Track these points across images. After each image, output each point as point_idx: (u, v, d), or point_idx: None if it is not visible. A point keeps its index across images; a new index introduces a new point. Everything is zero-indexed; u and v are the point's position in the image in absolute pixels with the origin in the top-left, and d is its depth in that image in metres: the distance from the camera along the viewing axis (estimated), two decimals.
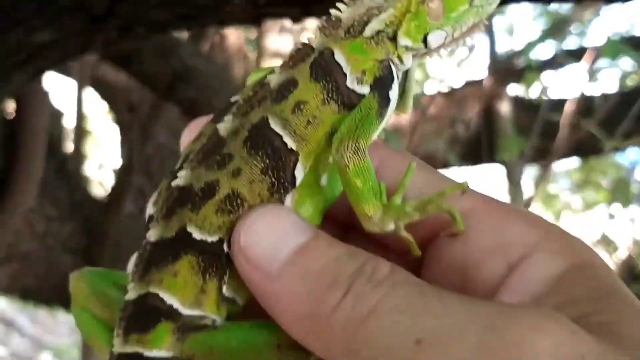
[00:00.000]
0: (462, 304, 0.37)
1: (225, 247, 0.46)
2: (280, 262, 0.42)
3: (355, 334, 0.38)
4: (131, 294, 0.47)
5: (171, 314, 0.46)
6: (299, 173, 0.46)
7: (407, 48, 0.49)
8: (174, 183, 0.46)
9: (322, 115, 0.47)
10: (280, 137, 0.45)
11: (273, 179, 0.45)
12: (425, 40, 0.49)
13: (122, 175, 2.47)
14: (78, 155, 2.73)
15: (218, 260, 0.46)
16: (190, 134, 0.50)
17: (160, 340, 0.46)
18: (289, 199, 0.47)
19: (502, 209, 0.45)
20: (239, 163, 0.45)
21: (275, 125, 0.46)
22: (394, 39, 0.49)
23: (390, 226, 0.45)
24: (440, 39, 0.49)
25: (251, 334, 0.45)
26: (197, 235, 0.46)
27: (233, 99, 0.48)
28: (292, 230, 0.43)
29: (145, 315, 0.46)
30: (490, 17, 0.51)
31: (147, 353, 0.46)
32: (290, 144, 0.46)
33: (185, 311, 0.46)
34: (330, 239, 0.43)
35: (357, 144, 0.45)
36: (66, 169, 2.32)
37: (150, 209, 0.48)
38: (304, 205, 0.48)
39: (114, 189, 2.52)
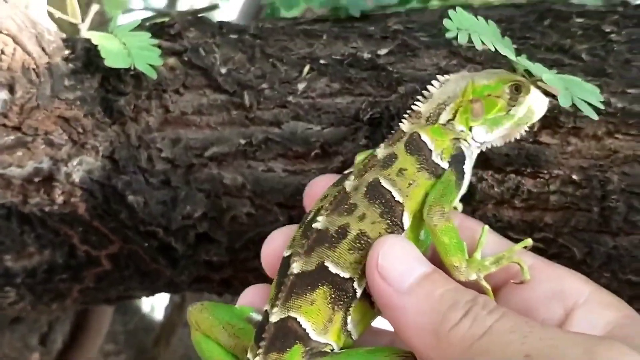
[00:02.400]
0: (562, 332, 0.48)
1: (355, 285, 0.58)
2: (410, 282, 0.54)
3: (471, 347, 0.48)
4: (274, 317, 0.58)
5: (304, 338, 0.57)
6: (406, 221, 0.60)
7: (463, 132, 0.63)
8: (314, 226, 0.60)
9: (418, 179, 0.60)
10: (390, 192, 0.59)
11: (388, 222, 0.59)
12: (471, 131, 0.63)
13: (176, 308, 2.61)
14: None
15: (346, 295, 0.58)
16: (310, 190, 0.66)
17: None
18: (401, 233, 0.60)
19: (557, 267, 0.58)
20: (363, 210, 0.59)
21: (385, 184, 0.60)
22: (461, 121, 0.63)
23: (473, 276, 0.57)
24: (482, 135, 0.63)
25: (367, 356, 0.57)
26: (333, 269, 0.58)
27: (347, 171, 0.64)
28: (418, 260, 0.56)
29: (284, 337, 0.57)
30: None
31: None
32: (397, 197, 0.59)
33: (314, 337, 0.58)
34: (445, 274, 0.55)
35: (442, 209, 0.58)
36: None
37: (285, 252, 0.61)
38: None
39: (166, 321, 2.69)
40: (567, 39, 0.75)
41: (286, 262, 0.60)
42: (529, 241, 0.60)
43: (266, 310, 0.60)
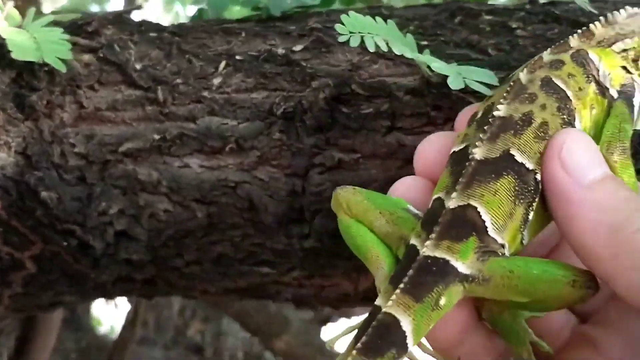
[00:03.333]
0: None
1: (537, 177, 0.53)
2: (593, 176, 0.51)
3: None
4: (451, 203, 0.53)
5: (481, 231, 0.52)
6: (578, 123, 0.56)
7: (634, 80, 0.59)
8: (496, 113, 0.55)
9: (587, 88, 0.57)
10: (563, 90, 0.56)
11: (564, 117, 0.55)
12: None
13: (128, 325, 2.57)
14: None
15: (528, 189, 0.53)
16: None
17: (466, 255, 0.52)
18: None
19: None
20: (543, 100, 0.55)
21: (557, 81, 0.56)
22: (635, 61, 0.59)
23: None
24: None
25: (550, 266, 0.52)
26: (519, 157, 0.53)
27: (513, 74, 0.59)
28: (601, 159, 0.53)
29: (461, 226, 0.52)
30: None
31: (453, 262, 0.51)
32: (571, 96, 0.56)
33: (492, 233, 0.52)
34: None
35: (623, 145, 0.55)
36: (76, 316, 2.49)
37: (456, 148, 0.56)
38: None
39: (119, 338, 2.65)
40: (476, 35, 0.77)
41: (462, 153, 0.55)
42: None
43: (439, 197, 0.54)
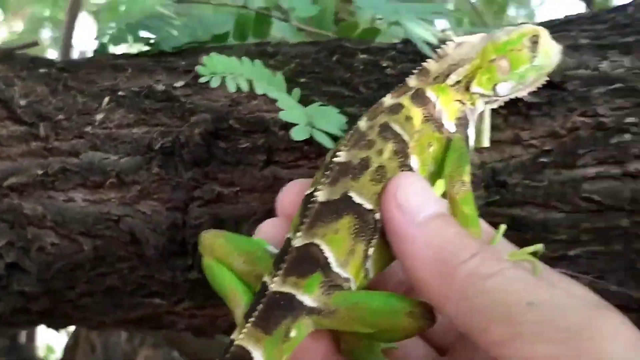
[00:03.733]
0: (566, 292, 0.49)
1: (376, 216, 0.57)
2: (426, 215, 0.55)
3: (475, 284, 0.50)
4: (297, 242, 0.57)
5: (325, 267, 0.56)
6: (414, 164, 0.60)
7: (480, 95, 0.64)
8: (336, 160, 0.59)
9: (424, 129, 0.61)
10: (400, 134, 0.60)
11: (400, 161, 0.59)
12: (494, 89, 0.64)
13: (68, 352, 2.53)
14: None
15: (368, 227, 0.58)
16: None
17: (312, 289, 0.56)
18: None
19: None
20: (380, 145, 0.59)
21: (394, 126, 0.60)
22: (467, 89, 0.64)
23: None
24: (507, 89, 0.64)
25: (390, 299, 0.56)
26: (357, 199, 0.58)
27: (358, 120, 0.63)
28: (436, 200, 0.57)
29: (306, 263, 0.56)
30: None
31: (299, 297, 0.55)
32: (406, 139, 0.60)
33: (335, 268, 0.56)
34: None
35: (463, 180, 0.59)
36: (17, 345, 2.45)
37: (307, 192, 0.59)
38: None
39: None
40: (349, 73, 0.81)
41: (309, 197, 0.59)
42: (539, 247, 0.60)
43: (288, 238, 0.58)
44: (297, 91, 0.75)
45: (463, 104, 0.64)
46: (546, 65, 0.65)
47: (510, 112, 0.72)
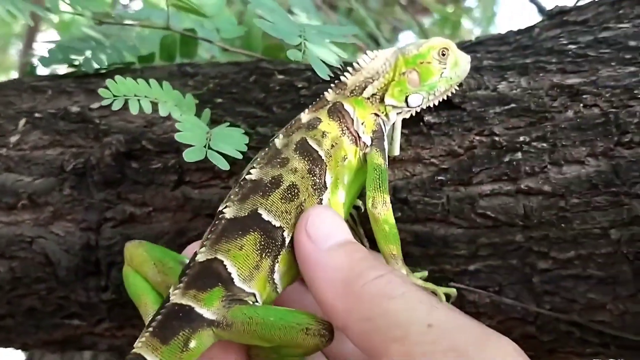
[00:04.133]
0: (464, 316, 0.52)
1: (284, 234, 0.60)
2: (333, 242, 0.57)
3: (379, 305, 0.51)
4: (200, 257, 0.58)
5: (227, 282, 0.57)
6: (328, 180, 0.63)
7: (392, 107, 0.68)
8: (248, 177, 0.61)
9: (341, 142, 0.64)
10: (316, 150, 0.63)
11: (314, 179, 0.62)
12: (406, 101, 0.68)
13: None
14: None
15: (275, 244, 0.59)
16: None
17: (212, 302, 0.57)
18: (325, 198, 0.63)
19: None
20: (295, 164, 0.61)
21: (312, 143, 0.63)
22: (382, 101, 0.67)
23: (404, 270, 0.62)
24: (418, 101, 0.68)
25: (287, 314, 0.57)
26: (265, 216, 0.59)
27: (275, 137, 0.65)
28: (345, 230, 0.59)
29: (207, 277, 0.57)
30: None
31: (198, 309, 0.57)
32: (322, 156, 0.63)
33: (238, 283, 0.58)
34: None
35: (384, 199, 0.62)
36: None
37: (221, 207, 0.61)
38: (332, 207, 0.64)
39: None
40: (264, 93, 0.82)
41: (219, 213, 0.61)
42: (453, 291, 0.65)
43: (195, 252, 0.59)
44: (207, 112, 0.76)
45: (377, 116, 0.67)
46: (455, 77, 0.69)
47: (412, 132, 0.74)
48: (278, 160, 0.62)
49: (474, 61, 0.78)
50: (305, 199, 0.61)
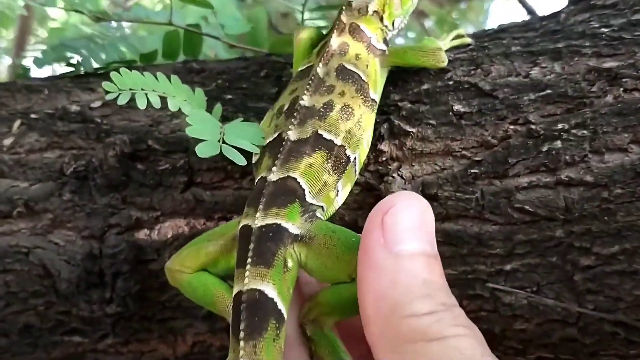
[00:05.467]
0: None
1: (347, 152, 0.62)
2: (406, 248, 0.47)
3: (413, 344, 0.43)
4: (273, 176, 0.58)
5: (302, 198, 0.58)
6: (374, 95, 0.67)
7: (386, 27, 0.73)
8: (302, 103, 0.63)
9: (370, 60, 0.69)
10: (357, 72, 0.66)
11: (362, 97, 0.65)
12: (393, 24, 0.74)
13: None
14: None
15: (340, 162, 0.62)
16: None
17: (294, 217, 0.56)
18: (374, 115, 0.67)
19: None
20: (341, 88, 0.65)
21: (350, 67, 0.67)
22: (381, 19, 0.72)
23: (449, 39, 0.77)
24: (398, 24, 0.75)
25: (356, 243, 0.51)
26: (327, 136, 0.61)
27: (302, 67, 0.70)
28: (426, 234, 0.49)
29: (284, 194, 0.57)
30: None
31: (284, 224, 0.56)
32: (363, 77, 0.67)
33: (310, 199, 0.58)
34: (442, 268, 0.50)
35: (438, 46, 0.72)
36: None
37: (269, 138, 0.63)
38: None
39: None
40: (277, 88, 0.77)
41: (277, 140, 0.62)
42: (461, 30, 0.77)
43: (262, 177, 0.59)
44: (218, 107, 0.71)
45: (382, 30, 0.72)
46: (416, 1, 0.77)
47: (441, 122, 0.69)
48: (324, 88, 0.65)
49: (501, 47, 0.74)
50: (361, 115, 0.64)
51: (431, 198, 0.67)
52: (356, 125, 0.64)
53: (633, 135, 0.64)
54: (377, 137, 0.69)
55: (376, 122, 0.70)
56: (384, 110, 0.71)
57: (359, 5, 0.72)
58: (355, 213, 0.69)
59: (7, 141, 0.74)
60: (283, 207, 0.56)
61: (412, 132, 0.68)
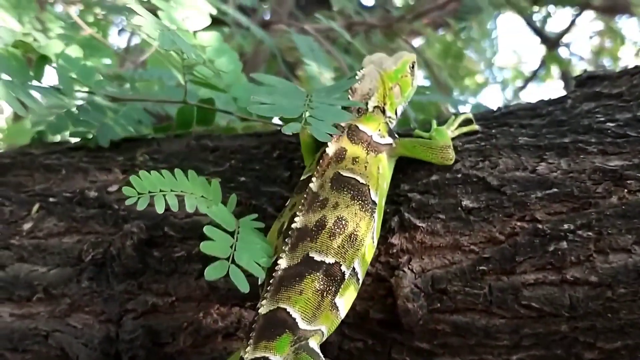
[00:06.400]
0: None
1: (342, 268, 0.63)
2: None
3: None
4: (263, 309, 0.60)
5: (292, 326, 0.60)
6: (374, 196, 0.67)
7: (390, 118, 0.75)
8: (293, 226, 0.64)
9: (370, 159, 0.69)
10: (353, 178, 0.67)
11: (361, 202, 0.65)
12: (396, 113, 0.76)
13: None
14: None
15: (334, 280, 0.62)
16: None
17: (283, 349, 0.59)
18: (376, 214, 0.67)
19: None
20: (334, 200, 0.65)
21: (346, 173, 0.67)
22: (383, 112, 0.74)
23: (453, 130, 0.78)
24: (400, 111, 0.77)
25: None
26: (318, 257, 0.62)
27: (304, 176, 0.70)
28: None
29: (273, 326, 0.59)
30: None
31: (272, 357, 0.58)
32: (361, 179, 0.67)
33: (303, 325, 0.60)
34: None
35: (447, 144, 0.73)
36: None
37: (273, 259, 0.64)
38: (379, 215, 0.68)
39: None
40: (289, 171, 0.79)
41: (273, 265, 0.63)
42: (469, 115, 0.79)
43: (257, 309, 0.61)
44: (233, 199, 0.73)
45: (386, 124, 0.74)
46: (416, 85, 0.79)
47: (450, 217, 0.71)
48: (318, 203, 0.66)
49: (509, 138, 0.76)
50: (357, 224, 0.65)
51: (440, 292, 0.69)
52: (351, 236, 0.64)
53: (637, 237, 0.66)
54: (388, 230, 0.71)
55: (386, 213, 0.72)
56: (394, 200, 0.73)
57: (357, 105, 0.72)
58: (367, 304, 0.71)
59: (27, 225, 0.76)
60: (272, 339, 0.60)
61: (422, 226, 0.70)
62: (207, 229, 0.61)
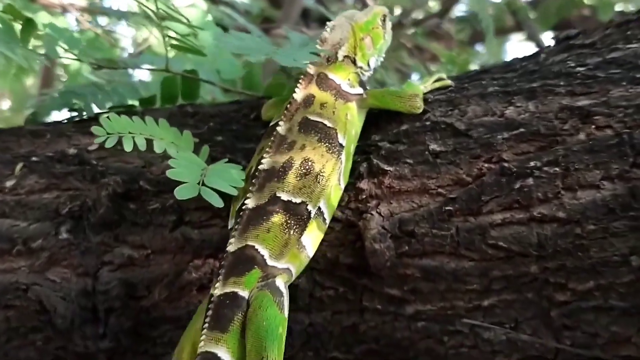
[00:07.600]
0: None
1: (308, 207, 0.65)
2: None
3: None
4: (231, 247, 0.62)
5: (261, 263, 0.61)
6: (342, 139, 0.69)
7: (362, 69, 0.76)
8: (260, 167, 0.65)
9: (338, 105, 0.70)
10: (321, 122, 0.68)
11: (327, 144, 0.67)
12: (368, 64, 0.77)
13: None
14: None
15: (300, 219, 0.64)
16: None
17: (252, 284, 0.61)
18: (343, 157, 0.68)
19: None
20: (302, 142, 0.66)
21: (314, 117, 0.68)
22: (354, 63, 0.75)
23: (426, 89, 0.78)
24: (374, 63, 0.78)
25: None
26: (284, 197, 0.64)
27: (272, 123, 0.72)
28: None
29: (242, 263, 0.61)
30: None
31: (241, 292, 0.60)
32: (328, 123, 0.68)
33: (271, 262, 0.62)
34: None
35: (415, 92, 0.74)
36: None
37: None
38: (348, 161, 0.70)
39: None
40: (265, 129, 0.80)
41: (241, 206, 0.65)
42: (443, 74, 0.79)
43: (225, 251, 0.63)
44: (205, 149, 0.74)
45: (357, 74, 0.74)
46: (389, 39, 0.80)
47: (417, 161, 0.71)
48: (285, 145, 0.67)
49: (479, 89, 0.76)
50: (323, 165, 0.66)
51: (408, 234, 0.68)
52: (317, 177, 0.66)
53: (605, 172, 0.65)
54: (357, 176, 0.71)
55: (356, 162, 0.72)
56: (365, 150, 0.74)
57: (327, 53, 0.74)
58: (337, 250, 0.71)
59: (9, 183, 0.79)
60: (241, 275, 0.61)
61: (390, 170, 0.71)
62: (172, 161, 0.62)
